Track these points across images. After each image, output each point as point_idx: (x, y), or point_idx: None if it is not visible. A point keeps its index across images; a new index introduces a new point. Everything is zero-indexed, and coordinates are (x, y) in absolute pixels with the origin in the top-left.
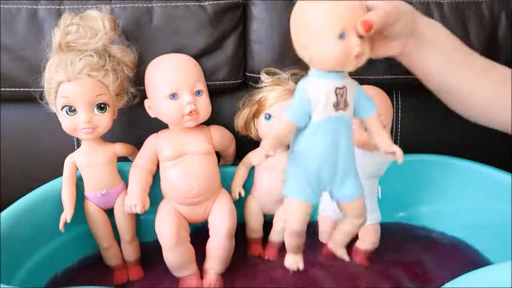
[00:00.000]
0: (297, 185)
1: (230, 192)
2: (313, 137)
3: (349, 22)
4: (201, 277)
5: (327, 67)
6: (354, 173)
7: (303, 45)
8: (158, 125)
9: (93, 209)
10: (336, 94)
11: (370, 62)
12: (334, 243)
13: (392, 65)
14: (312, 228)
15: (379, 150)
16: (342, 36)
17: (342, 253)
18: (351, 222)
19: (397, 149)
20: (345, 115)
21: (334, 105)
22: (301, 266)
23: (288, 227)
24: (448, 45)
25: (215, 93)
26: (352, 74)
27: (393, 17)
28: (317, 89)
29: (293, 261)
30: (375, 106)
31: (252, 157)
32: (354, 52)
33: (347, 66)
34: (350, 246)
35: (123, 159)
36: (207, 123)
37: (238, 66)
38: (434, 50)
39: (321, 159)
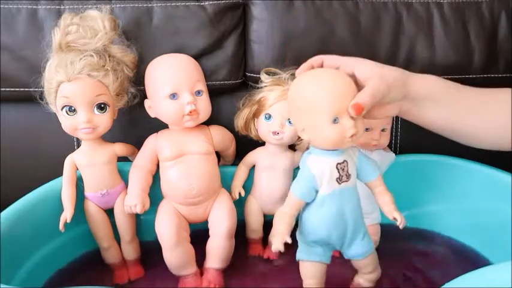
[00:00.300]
0: (309, 249)
1: (230, 192)
2: (320, 210)
3: (342, 106)
4: (201, 277)
5: (325, 148)
6: (362, 232)
7: (300, 128)
8: (158, 125)
9: (93, 209)
10: (338, 169)
11: None
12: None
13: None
14: None
15: (382, 212)
16: (335, 120)
17: None
18: (367, 278)
19: (398, 216)
20: (349, 185)
21: (337, 180)
22: None
23: None
24: (443, 96)
25: (215, 93)
26: None
27: (383, 92)
28: (320, 166)
29: None
30: (378, 169)
31: (272, 245)
32: (348, 134)
33: (343, 145)
34: None
35: (123, 159)
36: (207, 123)
37: (238, 66)
38: (431, 104)
39: (329, 229)
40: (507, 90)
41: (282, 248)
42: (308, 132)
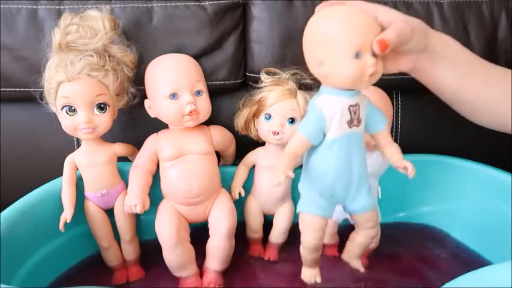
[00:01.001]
0: (312, 201)
1: (230, 192)
2: (328, 154)
3: (365, 41)
4: (201, 277)
5: (342, 86)
6: (366, 185)
7: (317, 62)
8: (158, 125)
9: (93, 209)
10: (350, 111)
11: None
12: (348, 254)
13: None
14: None
15: (391, 163)
16: (357, 55)
17: (356, 264)
18: (365, 233)
19: (408, 165)
20: (358, 131)
21: (348, 123)
22: (318, 280)
23: (305, 243)
24: (460, 58)
25: (215, 93)
26: None
27: (407, 35)
28: (331, 106)
29: (310, 275)
30: (386, 120)
31: (272, 180)
32: (368, 72)
33: (361, 85)
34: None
35: (123, 159)
36: (207, 123)
37: (238, 66)
38: (446, 64)
39: (335, 176)
40: None
41: (282, 180)
42: (326, 66)
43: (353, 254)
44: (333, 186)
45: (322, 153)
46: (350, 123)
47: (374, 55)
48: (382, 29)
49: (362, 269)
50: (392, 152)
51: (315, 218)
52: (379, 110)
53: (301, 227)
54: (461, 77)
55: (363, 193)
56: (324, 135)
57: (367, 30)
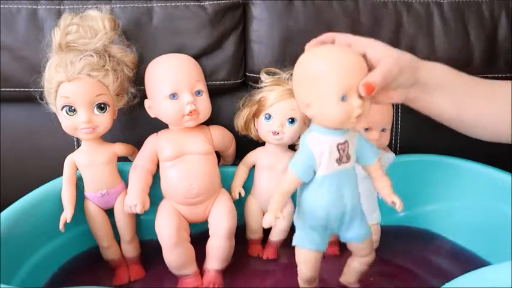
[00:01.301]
0: (305, 235)
1: (230, 192)
2: (318, 191)
3: (351, 84)
4: (201, 277)
5: (329, 126)
6: (360, 215)
7: (305, 103)
8: (158, 125)
9: (93, 209)
10: (338, 150)
11: None
12: (346, 279)
13: None
14: None
15: (380, 196)
16: (343, 98)
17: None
18: (361, 260)
19: (396, 200)
20: (348, 167)
21: (337, 161)
22: None
23: (301, 275)
24: (456, 83)
25: (215, 93)
26: None
27: (395, 74)
28: (320, 144)
29: None
30: (377, 153)
31: (263, 222)
32: (355, 114)
33: (347, 125)
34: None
35: (123, 159)
36: (207, 123)
37: (238, 66)
38: (441, 92)
39: (327, 211)
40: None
41: (273, 223)
42: (313, 107)
43: (351, 279)
44: (326, 220)
45: (314, 190)
46: (339, 160)
47: (360, 97)
48: (370, 67)
49: None
50: (383, 186)
51: (309, 252)
52: (371, 144)
53: (296, 259)
54: (459, 101)
55: (357, 223)
56: (315, 173)
57: (353, 72)
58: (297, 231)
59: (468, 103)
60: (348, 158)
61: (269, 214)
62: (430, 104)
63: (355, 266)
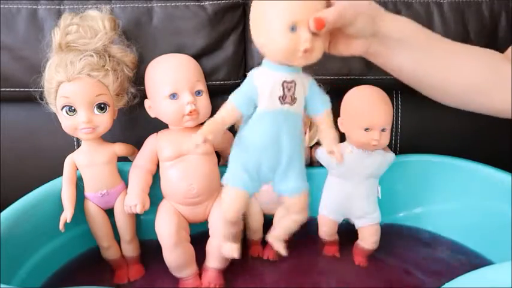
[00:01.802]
0: (236, 173)
1: None
2: (256, 126)
3: (303, 16)
4: (201, 277)
5: (276, 59)
6: (298, 168)
7: (256, 33)
8: (158, 125)
9: (93, 209)
10: (283, 87)
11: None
12: (273, 237)
13: None
14: (312, 226)
15: (323, 147)
16: (293, 29)
17: (279, 247)
18: (291, 217)
19: (335, 149)
20: (292, 110)
21: (280, 99)
22: (235, 255)
23: (224, 215)
24: (417, 39)
25: (215, 93)
26: (352, 74)
27: (349, 17)
28: (264, 78)
29: (228, 249)
30: (328, 104)
31: (192, 140)
32: (302, 46)
33: (295, 60)
34: (350, 245)
35: (123, 159)
36: None
37: (238, 66)
38: (402, 47)
39: (260, 149)
40: (483, 49)
41: (199, 142)
42: (262, 38)
43: (278, 236)
44: (258, 160)
45: (252, 125)
46: (282, 99)
47: (312, 32)
48: (328, 7)
49: (284, 253)
50: (325, 135)
51: (237, 191)
52: (324, 94)
53: (222, 197)
54: (417, 59)
55: (293, 176)
56: (255, 108)
57: (306, 5)
58: (228, 170)
59: (427, 63)
60: (293, 100)
61: (197, 134)
62: (390, 59)
63: (285, 224)
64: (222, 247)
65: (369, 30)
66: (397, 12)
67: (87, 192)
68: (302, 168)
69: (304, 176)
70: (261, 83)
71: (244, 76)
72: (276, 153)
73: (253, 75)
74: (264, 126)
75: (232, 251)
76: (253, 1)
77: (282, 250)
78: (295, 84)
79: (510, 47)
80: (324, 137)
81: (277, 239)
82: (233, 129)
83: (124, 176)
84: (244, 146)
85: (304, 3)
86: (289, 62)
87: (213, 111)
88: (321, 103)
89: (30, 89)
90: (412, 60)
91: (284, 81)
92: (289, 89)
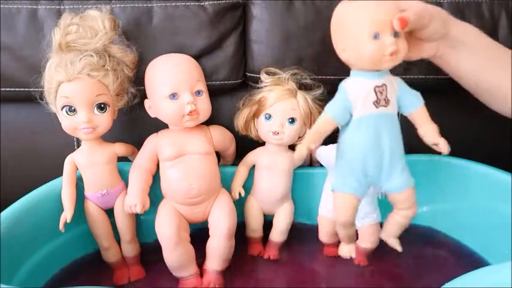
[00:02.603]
0: (343, 180)
1: (230, 192)
2: (355, 133)
3: (383, 23)
4: (201, 277)
5: (364, 67)
6: (401, 165)
7: (341, 47)
8: (158, 125)
9: (93, 209)
10: (376, 92)
11: None
12: (386, 234)
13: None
14: (312, 226)
15: (426, 141)
16: (376, 36)
17: (394, 243)
18: (401, 213)
19: (441, 141)
20: (387, 111)
21: (374, 103)
22: (353, 255)
23: (338, 220)
24: (481, 45)
25: (215, 93)
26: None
27: (426, 19)
28: (356, 87)
29: (346, 251)
30: (421, 100)
31: (295, 153)
32: (388, 50)
33: (383, 64)
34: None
35: (123, 159)
36: (207, 123)
37: (238, 66)
38: (468, 51)
39: (364, 154)
40: None
41: (304, 154)
42: (348, 50)
43: (391, 233)
44: (364, 165)
45: (351, 132)
46: (376, 103)
47: (394, 35)
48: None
49: (400, 249)
50: (426, 130)
51: (347, 197)
52: (414, 90)
53: (334, 205)
54: (482, 62)
55: (397, 172)
56: (351, 116)
57: (385, 12)
58: (335, 178)
59: (489, 66)
60: (387, 102)
61: (301, 145)
62: (455, 62)
63: (397, 220)
64: (340, 249)
65: (440, 33)
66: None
67: (87, 192)
68: (405, 166)
69: (409, 173)
70: (354, 93)
71: (245, 76)
72: (378, 155)
73: (344, 86)
74: (364, 131)
75: (350, 252)
76: (333, 17)
77: (398, 246)
78: (386, 86)
79: None
80: (425, 132)
81: (390, 236)
82: (234, 131)
83: (124, 176)
84: (347, 153)
85: (382, 11)
86: (378, 68)
87: (213, 111)
88: (414, 99)
89: (30, 89)
90: (476, 65)
91: (376, 86)
92: (381, 93)
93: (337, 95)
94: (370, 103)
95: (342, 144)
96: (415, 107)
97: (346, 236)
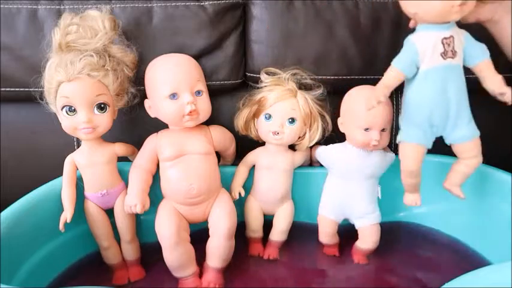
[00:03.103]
0: (410, 131)
1: (230, 192)
2: (423, 85)
3: None
4: (201, 277)
5: (432, 20)
6: (467, 117)
7: (410, 4)
8: (158, 125)
9: (93, 209)
10: (443, 44)
11: (370, 62)
12: (450, 183)
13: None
14: (312, 226)
15: (490, 91)
16: None
17: (458, 192)
18: (466, 163)
19: (508, 90)
20: (454, 63)
21: (442, 55)
22: (418, 203)
23: (404, 169)
24: None
25: (215, 93)
26: (352, 74)
27: None
28: (424, 40)
29: (411, 199)
30: (487, 52)
31: (366, 103)
32: (457, 2)
33: (451, 16)
34: (350, 245)
35: (123, 159)
36: (207, 123)
37: (238, 66)
38: None
39: (431, 106)
40: None
41: (383, 99)
42: (415, 6)
43: (454, 182)
44: (430, 116)
45: (418, 85)
46: (444, 55)
47: None
48: None
49: (462, 196)
50: (492, 81)
51: (414, 146)
52: (480, 43)
53: (400, 155)
54: None
55: (463, 123)
56: (418, 69)
57: None
58: (401, 130)
59: None
60: (454, 53)
61: (371, 98)
62: (507, 28)
63: (461, 169)
64: (405, 198)
65: None
66: (398, 12)
67: (87, 192)
68: (470, 116)
69: (474, 123)
70: (422, 45)
71: (245, 76)
72: (445, 106)
73: (412, 40)
74: (431, 83)
75: (416, 200)
76: None
77: (461, 194)
78: (453, 38)
79: None
80: (490, 83)
81: (454, 185)
82: (234, 131)
83: (124, 176)
84: (414, 106)
85: None
86: (446, 19)
87: (213, 111)
88: (480, 52)
89: (30, 89)
90: None
91: (443, 38)
92: (448, 44)
93: (404, 48)
94: (437, 55)
95: (408, 97)
96: (481, 58)
97: (411, 185)
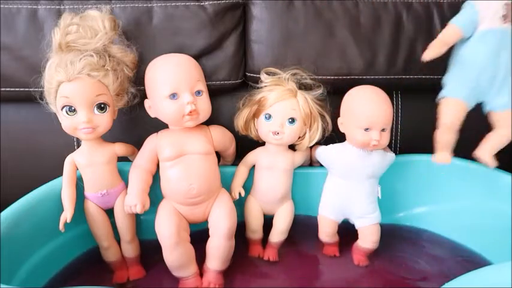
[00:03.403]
0: (455, 87)
1: (230, 192)
2: (478, 45)
3: None
4: (201, 277)
5: None
6: (510, 86)
7: None
8: (158, 125)
9: (93, 209)
10: (505, 7)
11: (370, 62)
12: (482, 151)
13: (392, 65)
14: (312, 226)
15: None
16: None
17: (489, 161)
18: (501, 132)
19: None
20: (510, 29)
21: (502, 18)
22: (449, 161)
23: (442, 123)
24: None
25: (215, 93)
26: (352, 74)
27: None
28: (486, 1)
29: (443, 157)
30: None
31: (424, 55)
32: None
33: None
34: (350, 245)
35: (123, 159)
36: (207, 123)
37: (238, 66)
38: None
39: (482, 66)
40: None
41: (442, 51)
42: None
43: (487, 151)
44: (479, 76)
45: (473, 43)
46: (505, 18)
47: None
48: None
49: (493, 164)
50: None
51: (457, 101)
52: None
53: (442, 110)
54: None
55: (506, 91)
56: (475, 29)
57: None
58: (446, 87)
59: None
60: None
61: (427, 51)
62: None
63: (494, 138)
64: (435, 156)
65: None
66: (398, 12)
67: (87, 192)
68: None
69: None
70: (483, 6)
71: (245, 76)
72: (494, 69)
73: (472, 1)
74: (486, 44)
75: (446, 159)
76: None
77: (492, 162)
78: None
79: None
80: None
81: (486, 152)
82: (234, 131)
83: (124, 176)
84: (464, 63)
85: None
86: None
87: (213, 111)
88: None
89: (30, 89)
90: None
91: (505, 3)
92: (509, 10)
93: (465, 9)
94: (497, 17)
95: (461, 57)
96: None
97: (446, 142)
